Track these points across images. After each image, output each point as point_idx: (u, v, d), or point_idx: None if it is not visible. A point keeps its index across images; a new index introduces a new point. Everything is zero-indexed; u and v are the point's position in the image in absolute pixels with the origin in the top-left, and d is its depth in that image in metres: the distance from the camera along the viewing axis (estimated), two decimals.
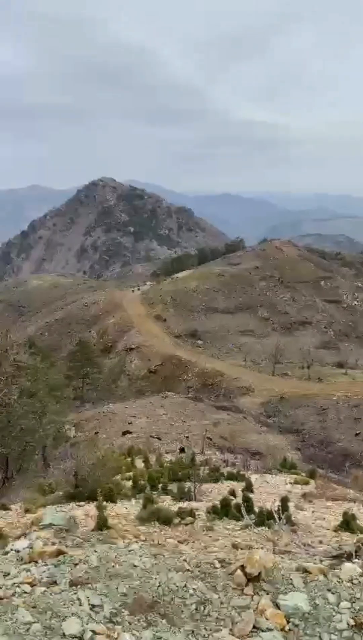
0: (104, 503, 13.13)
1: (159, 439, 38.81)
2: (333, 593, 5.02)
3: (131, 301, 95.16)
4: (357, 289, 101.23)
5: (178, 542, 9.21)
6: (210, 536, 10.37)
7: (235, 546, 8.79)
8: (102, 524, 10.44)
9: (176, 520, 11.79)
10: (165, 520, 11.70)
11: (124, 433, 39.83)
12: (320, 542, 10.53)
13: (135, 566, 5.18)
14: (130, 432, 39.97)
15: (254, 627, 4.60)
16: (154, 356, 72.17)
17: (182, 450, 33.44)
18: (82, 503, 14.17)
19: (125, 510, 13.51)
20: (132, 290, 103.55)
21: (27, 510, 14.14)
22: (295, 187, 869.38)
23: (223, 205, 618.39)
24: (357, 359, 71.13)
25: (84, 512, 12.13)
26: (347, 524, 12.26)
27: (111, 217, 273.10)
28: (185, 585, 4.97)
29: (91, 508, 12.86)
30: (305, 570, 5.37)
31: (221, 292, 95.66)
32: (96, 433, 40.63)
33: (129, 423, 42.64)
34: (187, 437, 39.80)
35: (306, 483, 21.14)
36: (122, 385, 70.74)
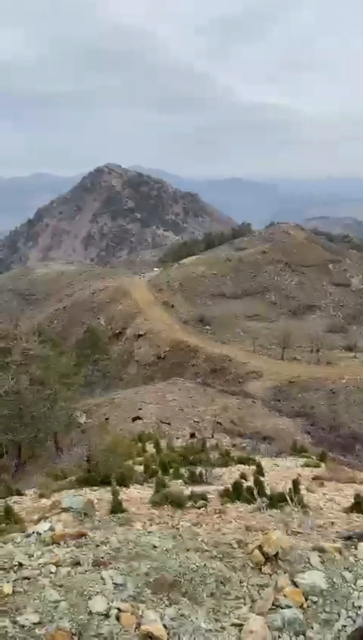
0: (117, 487, 13.34)
1: (169, 424, 39.07)
2: (350, 571, 5.12)
3: (139, 288, 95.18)
4: None
5: (192, 524, 9.35)
6: (223, 519, 10.51)
7: (248, 528, 8.92)
8: (116, 508, 10.62)
9: (189, 504, 11.95)
10: (178, 503, 11.87)
11: (134, 419, 40.11)
12: (332, 523, 10.64)
13: (155, 547, 5.30)
14: (140, 418, 40.24)
15: (273, 604, 4.71)
16: (162, 342, 72.37)
17: (192, 435, 33.71)
18: (95, 488, 14.38)
19: (138, 494, 13.70)
20: (140, 277, 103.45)
21: (41, 496, 14.39)
22: (302, 171, 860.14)
23: (229, 190, 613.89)
24: None
25: (97, 497, 12.31)
26: (358, 505, 12.37)
27: (117, 203, 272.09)
28: (204, 565, 5.09)
29: (104, 493, 13.06)
30: (322, 550, 5.47)
31: (229, 277, 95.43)
32: (106, 419, 40.96)
33: (139, 409, 42.91)
34: (197, 422, 40.05)
35: (317, 466, 21.28)
36: (131, 371, 71.11)
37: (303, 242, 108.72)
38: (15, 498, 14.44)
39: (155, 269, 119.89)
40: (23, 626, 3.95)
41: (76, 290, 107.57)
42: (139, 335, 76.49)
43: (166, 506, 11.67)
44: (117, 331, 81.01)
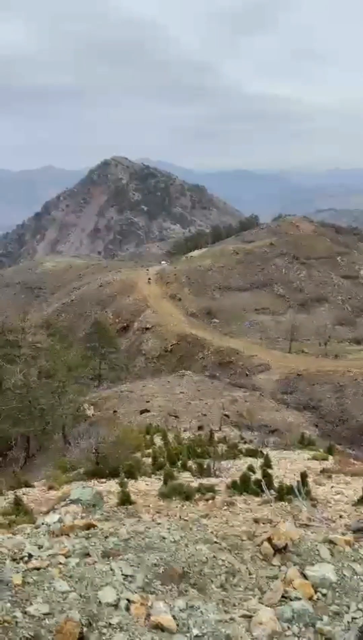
0: (125, 479, 13.40)
1: (177, 417, 39.17)
2: (360, 564, 5.11)
3: (146, 281, 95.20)
4: None
5: (200, 516, 9.37)
6: (231, 511, 10.53)
7: (257, 520, 8.93)
8: (125, 500, 10.67)
9: (197, 496, 11.98)
10: (186, 495, 11.90)
11: (142, 412, 40.25)
12: (340, 516, 10.65)
13: (164, 538, 5.31)
14: (148, 411, 40.36)
15: (283, 596, 4.72)
16: (170, 335, 72.42)
17: (200, 427, 33.77)
18: (103, 480, 14.46)
19: (146, 486, 13.76)
20: (147, 270, 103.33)
21: (50, 487, 14.49)
22: (310, 162, 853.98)
23: (236, 182, 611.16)
24: None
25: (106, 489, 12.37)
26: None
27: (123, 196, 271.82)
28: (214, 557, 5.10)
29: (112, 484, 13.13)
30: (331, 542, 5.46)
31: (236, 270, 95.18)
32: (114, 412, 41.11)
33: (146, 402, 43.03)
34: (205, 415, 40.10)
35: (325, 459, 21.29)
36: (138, 364, 71.26)
37: (311, 235, 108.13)
38: (25, 490, 14.56)
39: (162, 262, 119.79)
40: (33, 616, 3.98)
41: (84, 283, 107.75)
42: (147, 329, 76.59)
43: (174, 498, 11.71)
44: (124, 324, 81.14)
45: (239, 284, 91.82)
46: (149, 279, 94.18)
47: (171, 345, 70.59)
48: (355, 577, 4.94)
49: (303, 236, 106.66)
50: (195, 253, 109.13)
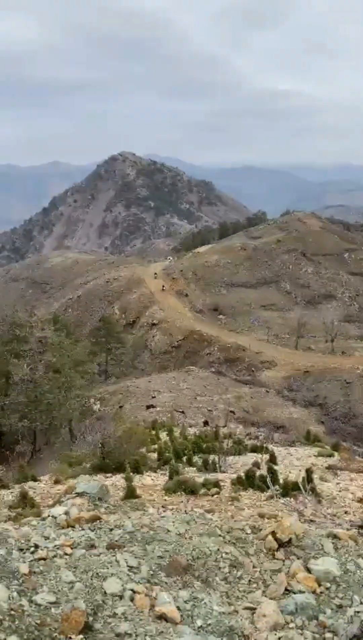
0: (131, 474, 13.47)
1: (183, 412, 39.25)
2: None
3: (153, 277, 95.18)
4: None
5: (205, 511, 9.40)
6: (236, 506, 10.56)
7: (262, 515, 8.95)
8: (130, 494, 10.73)
9: (202, 491, 12.02)
10: (191, 490, 11.94)
11: (148, 407, 40.35)
12: (345, 512, 10.65)
13: (169, 531, 5.36)
14: (154, 406, 40.46)
15: (286, 589, 4.75)
16: (176, 331, 72.47)
17: (206, 423, 33.82)
18: (109, 475, 14.53)
19: (151, 481, 13.83)
20: (155, 265, 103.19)
21: (56, 482, 14.58)
22: (319, 158, 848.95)
23: (245, 178, 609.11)
24: None
25: (112, 483, 12.43)
26: None
27: (131, 192, 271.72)
28: (218, 550, 5.13)
29: (118, 479, 13.20)
30: (335, 537, 5.49)
31: (243, 266, 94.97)
32: (120, 407, 41.24)
33: (152, 397, 43.14)
34: (210, 410, 40.16)
35: (330, 455, 21.26)
36: (145, 360, 71.39)
37: (319, 231, 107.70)
38: (31, 484, 14.65)
39: (169, 258, 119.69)
40: (39, 605, 4.04)
41: (91, 279, 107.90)
42: (153, 324, 76.67)
43: (179, 493, 11.75)
44: (131, 320, 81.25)
45: (246, 280, 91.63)
46: (156, 273, 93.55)
47: (178, 341, 70.65)
48: (359, 571, 4.96)
49: (311, 232, 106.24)
50: (202, 249, 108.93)
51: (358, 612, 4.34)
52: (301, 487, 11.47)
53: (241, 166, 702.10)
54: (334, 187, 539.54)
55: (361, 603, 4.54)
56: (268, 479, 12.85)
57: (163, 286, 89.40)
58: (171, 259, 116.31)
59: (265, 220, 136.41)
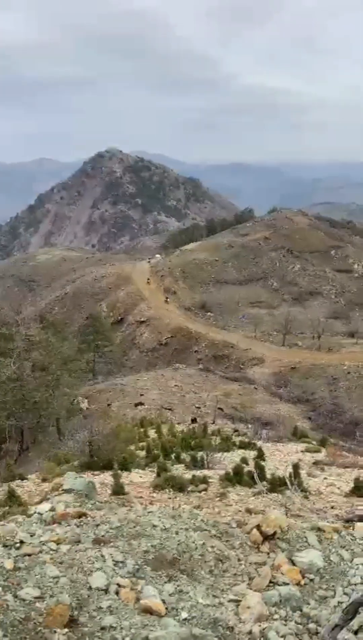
0: (119, 472, 13.48)
1: (171, 410, 39.30)
2: (347, 550, 5.21)
3: (141, 274, 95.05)
4: None
5: (193, 507, 9.45)
6: (224, 502, 10.63)
7: (249, 511, 9.02)
8: (118, 491, 10.74)
9: (190, 488, 12.07)
10: (179, 487, 11.99)
11: (136, 405, 40.34)
12: (332, 507, 10.78)
13: (155, 526, 5.39)
14: (142, 404, 40.46)
15: (271, 581, 4.81)
16: (164, 329, 72.46)
17: (194, 420, 33.89)
18: (97, 472, 14.52)
19: (139, 478, 13.86)
20: (145, 262, 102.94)
21: (44, 480, 14.54)
22: (308, 155, 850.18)
23: (233, 175, 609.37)
24: None
25: (100, 481, 12.43)
26: (358, 489, 12.50)
27: (118, 189, 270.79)
28: (204, 544, 5.17)
29: (106, 477, 13.20)
30: (319, 529, 5.56)
31: (231, 264, 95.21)
32: (108, 405, 41.17)
33: (141, 395, 43.13)
34: (199, 407, 40.26)
35: (318, 451, 21.46)
36: (133, 357, 71.31)
37: (306, 228, 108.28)
38: (18, 482, 14.60)
39: (157, 256, 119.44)
40: (24, 600, 4.05)
41: (78, 276, 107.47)
42: (142, 322, 76.59)
43: (167, 490, 11.79)
44: (119, 317, 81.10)
45: (233, 277, 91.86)
46: (149, 279, 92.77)
47: (166, 339, 70.65)
48: (342, 562, 5.03)
49: (298, 230, 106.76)
50: (190, 246, 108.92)
51: (341, 602, 4.41)
52: (289, 483, 11.57)
53: (229, 163, 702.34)
54: (322, 184, 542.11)
55: (345, 594, 4.60)
56: (256, 475, 12.94)
57: (148, 278, 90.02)
58: (160, 256, 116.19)
59: (252, 218, 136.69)
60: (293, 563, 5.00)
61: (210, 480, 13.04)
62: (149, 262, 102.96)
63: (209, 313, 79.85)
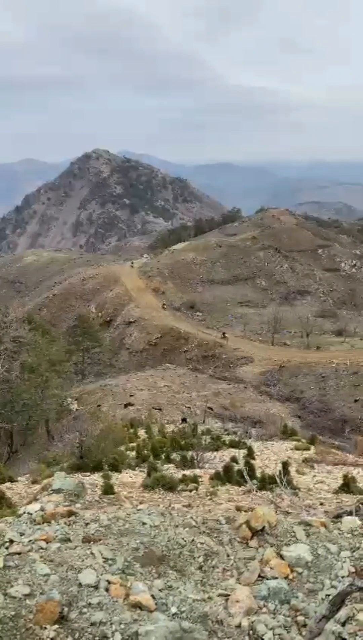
0: (109, 472, 13.49)
1: (160, 410, 39.35)
2: (334, 544, 5.29)
3: (129, 274, 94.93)
4: (355, 257, 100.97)
5: (183, 506, 9.50)
6: (214, 500, 10.68)
7: (239, 509, 9.09)
8: (108, 491, 10.75)
9: (180, 487, 12.12)
10: (169, 486, 12.03)
11: (126, 405, 40.34)
12: (321, 503, 10.89)
13: (144, 524, 5.43)
14: (132, 405, 40.47)
15: (259, 576, 4.87)
16: (153, 329, 72.43)
17: (184, 420, 33.96)
18: (87, 473, 14.51)
19: (130, 479, 13.88)
20: (131, 265, 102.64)
21: (34, 482, 14.50)
22: (294, 155, 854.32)
23: (220, 175, 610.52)
24: (356, 327, 71.51)
25: (90, 482, 12.43)
26: (347, 486, 12.64)
27: (105, 189, 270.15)
28: (193, 540, 5.22)
29: (96, 478, 13.20)
30: (307, 524, 5.63)
31: (219, 263, 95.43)
32: (98, 406, 41.10)
33: (130, 395, 43.13)
34: (188, 407, 40.34)
35: (307, 449, 21.61)
36: (122, 358, 71.19)
37: (293, 228, 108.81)
38: (8, 484, 14.54)
39: (145, 256, 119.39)
40: (14, 597, 4.08)
41: (66, 277, 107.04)
42: (130, 322, 76.50)
43: (157, 489, 11.82)
44: (108, 318, 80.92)
45: (222, 277, 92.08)
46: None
47: (155, 339, 70.63)
48: (329, 556, 5.11)
49: (286, 229, 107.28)
50: (178, 246, 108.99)
51: (328, 595, 4.48)
52: (278, 481, 11.65)
53: (216, 163, 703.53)
54: (308, 183, 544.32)
55: (332, 586, 4.68)
56: (246, 474, 13.02)
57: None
58: (148, 256, 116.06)
59: (240, 218, 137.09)
60: (281, 557, 5.06)
61: (200, 479, 13.09)
62: (132, 265, 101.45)
63: (198, 313, 79.97)
